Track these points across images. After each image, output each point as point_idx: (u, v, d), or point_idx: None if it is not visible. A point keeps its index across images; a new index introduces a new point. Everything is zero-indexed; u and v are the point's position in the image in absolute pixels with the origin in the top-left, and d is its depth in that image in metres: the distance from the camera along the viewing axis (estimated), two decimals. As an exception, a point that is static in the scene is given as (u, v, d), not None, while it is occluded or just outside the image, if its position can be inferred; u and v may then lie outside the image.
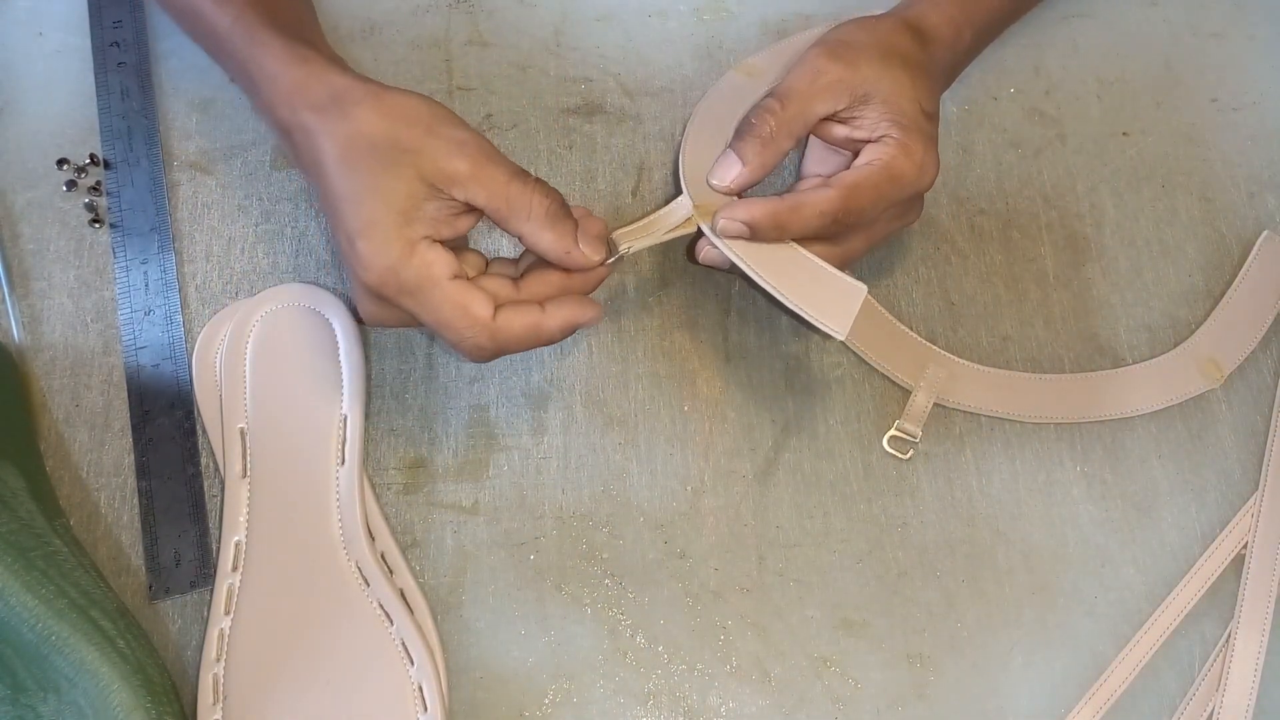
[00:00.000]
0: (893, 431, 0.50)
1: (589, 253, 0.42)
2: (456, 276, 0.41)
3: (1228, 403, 0.52)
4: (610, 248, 0.44)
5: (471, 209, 0.42)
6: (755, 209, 0.44)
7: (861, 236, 0.47)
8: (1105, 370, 0.52)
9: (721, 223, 0.44)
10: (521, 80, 0.56)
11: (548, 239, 0.42)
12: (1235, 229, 0.55)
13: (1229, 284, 0.54)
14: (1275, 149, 0.57)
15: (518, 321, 0.42)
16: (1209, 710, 0.47)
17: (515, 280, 0.44)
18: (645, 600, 0.48)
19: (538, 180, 0.42)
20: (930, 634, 0.48)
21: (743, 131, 0.46)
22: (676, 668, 0.47)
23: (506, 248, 0.53)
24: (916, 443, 0.50)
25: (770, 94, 0.46)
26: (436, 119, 0.41)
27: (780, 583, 0.48)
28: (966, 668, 0.47)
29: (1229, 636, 0.48)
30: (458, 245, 0.43)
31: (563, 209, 0.42)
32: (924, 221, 0.55)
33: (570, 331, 0.43)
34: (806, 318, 0.44)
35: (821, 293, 0.45)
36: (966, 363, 0.52)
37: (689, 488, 0.50)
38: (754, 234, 0.44)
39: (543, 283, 0.43)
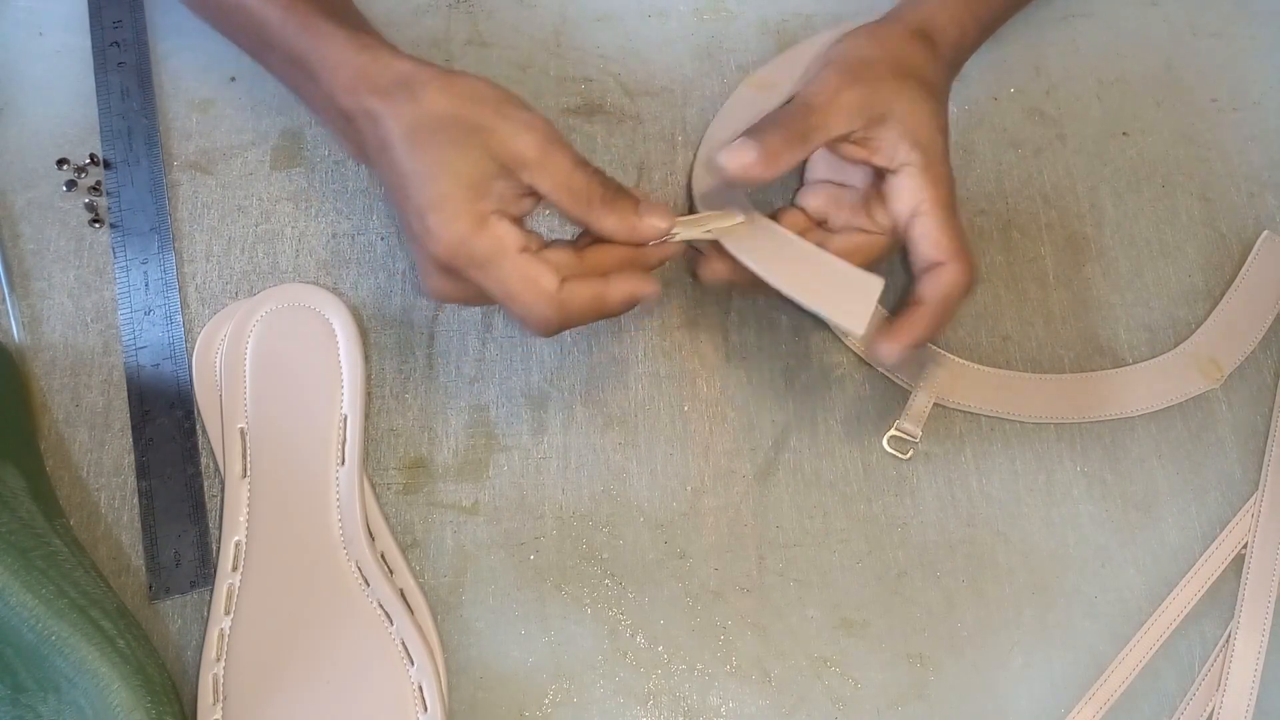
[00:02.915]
0: (893, 431, 0.50)
1: (654, 221, 0.43)
2: (524, 250, 0.41)
3: (1228, 403, 0.52)
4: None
5: (533, 193, 0.42)
6: (911, 334, 0.44)
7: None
8: (1105, 370, 0.52)
9: (883, 351, 0.44)
10: (521, 80, 0.56)
11: (610, 222, 0.42)
12: (1235, 229, 0.55)
13: (1229, 284, 0.54)
14: (1275, 149, 0.57)
15: (582, 293, 0.42)
16: (1209, 710, 0.47)
17: (578, 251, 0.44)
18: (645, 600, 0.48)
19: (598, 169, 0.43)
20: (930, 634, 0.48)
21: (763, 126, 0.45)
22: (676, 668, 0.47)
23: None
24: (916, 443, 0.50)
25: (794, 101, 0.45)
26: (504, 101, 0.42)
27: (780, 583, 0.48)
28: (966, 668, 0.47)
29: (1229, 636, 0.48)
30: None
31: (620, 191, 0.43)
32: (924, 221, 0.55)
33: (631, 305, 0.44)
34: (823, 317, 0.44)
35: (836, 290, 0.44)
36: (966, 363, 0.52)
37: (689, 488, 0.50)
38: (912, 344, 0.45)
39: (606, 254, 0.44)
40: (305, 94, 0.47)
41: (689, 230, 0.45)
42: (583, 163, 0.42)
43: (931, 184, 0.45)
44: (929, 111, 0.45)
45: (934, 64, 0.47)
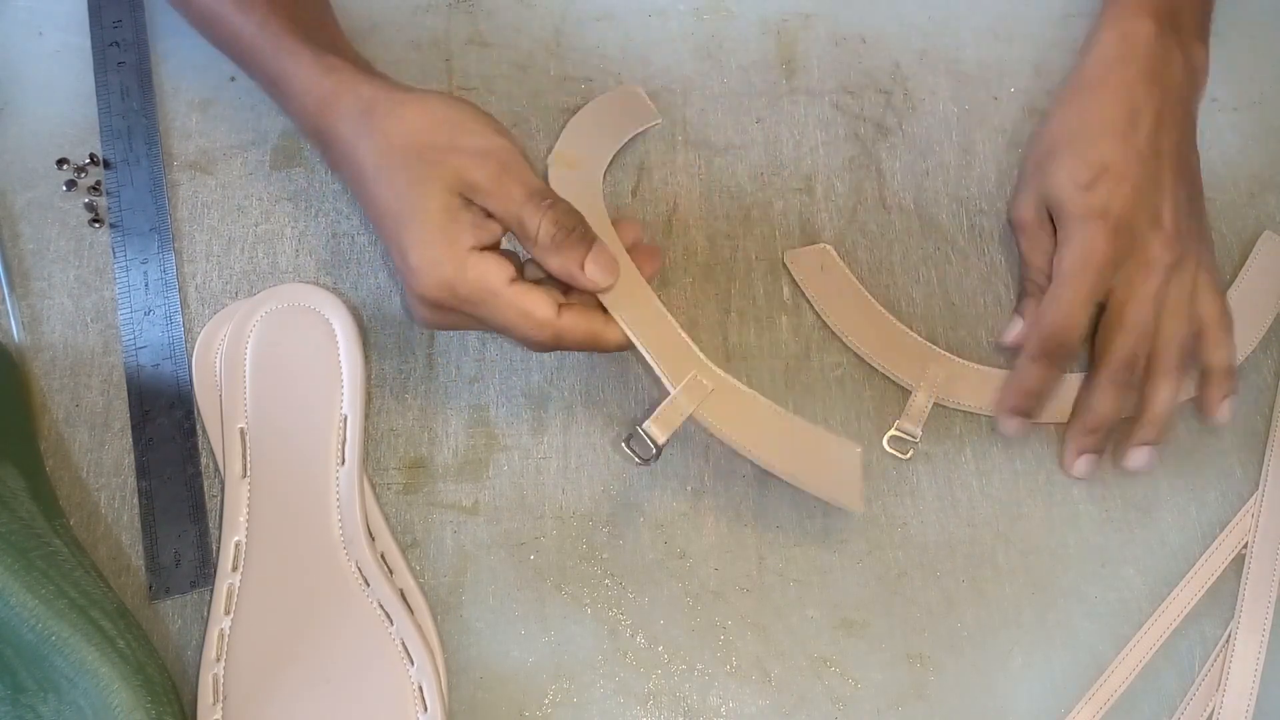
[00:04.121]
0: (893, 431, 0.50)
1: (596, 278, 0.43)
2: (513, 281, 0.41)
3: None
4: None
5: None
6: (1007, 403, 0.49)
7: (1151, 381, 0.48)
8: None
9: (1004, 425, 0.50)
10: (521, 80, 0.56)
11: (552, 263, 0.42)
12: (1235, 229, 0.55)
13: (1229, 284, 0.54)
14: (1275, 149, 0.57)
15: (578, 327, 0.43)
16: (1209, 710, 0.47)
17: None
18: (645, 600, 0.48)
19: (554, 203, 0.42)
20: (930, 634, 0.48)
21: (1025, 306, 0.51)
22: (676, 668, 0.47)
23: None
24: (916, 443, 0.50)
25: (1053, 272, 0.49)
26: (461, 127, 0.42)
27: (780, 583, 0.48)
28: (966, 668, 0.47)
29: (1229, 637, 0.48)
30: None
31: (571, 235, 0.42)
32: (924, 221, 0.55)
33: (624, 348, 0.44)
34: (817, 495, 0.46)
35: (820, 465, 0.45)
36: (967, 363, 0.52)
37: (689, 488, 0.50)
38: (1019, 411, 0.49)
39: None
40: (283, 107, 0.48)
41: (650, 357, 0.45)
42: (536, 195, 0.42)
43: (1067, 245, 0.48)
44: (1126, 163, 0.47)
45: (1177, 59, 0.48)
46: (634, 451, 0.44)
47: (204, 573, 0.47)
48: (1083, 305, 0.47)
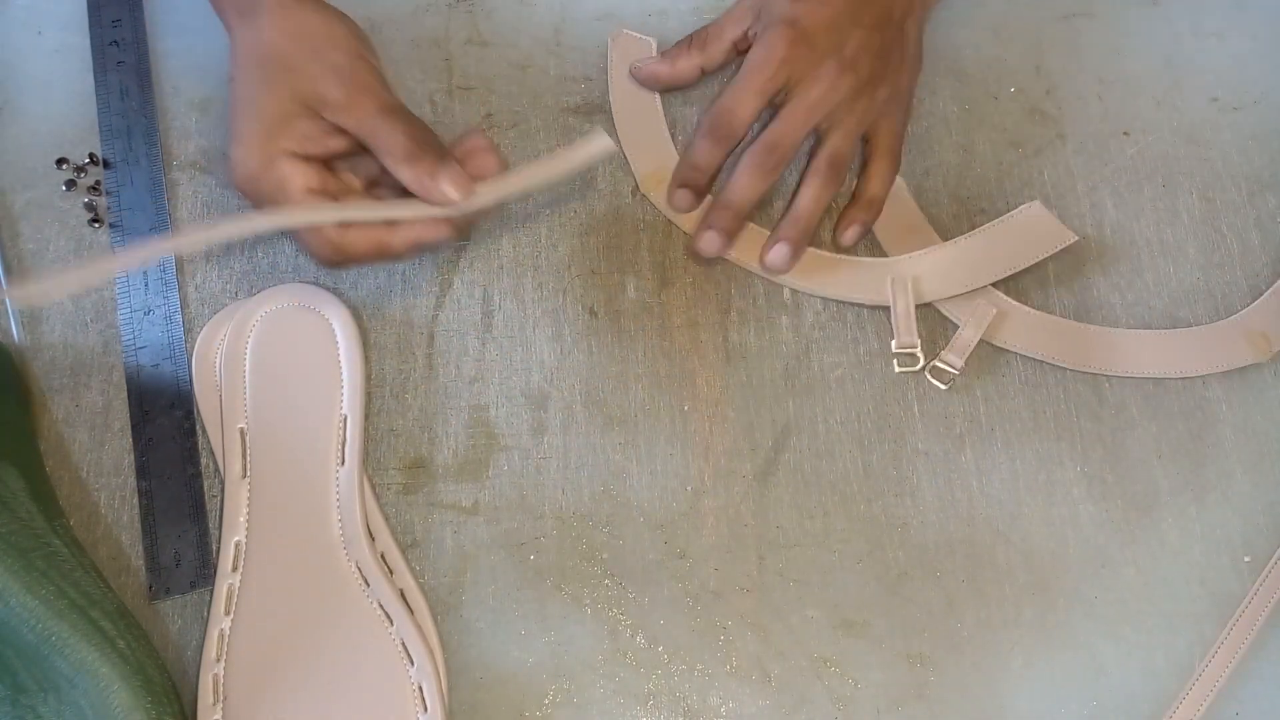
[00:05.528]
0: (935, 362, 0.51)
1: (448, 190, 0.43)
2: (309, 190, 0.43)
3: (1228, 402, 0.52)
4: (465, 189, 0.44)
5: (343, 131, 0.43)
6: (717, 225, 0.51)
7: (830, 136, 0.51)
8: (1160, 329, 0.53)
9: (702, 242, 0.51)
10: (521, 80, 0.56)
11: (405, 175, 0.43)
12: (1236, 229, 0.55)
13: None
14: (1275, 149, 0.57)
15: (363, 239, 0.44)
16: (1205, 710, 0.47)
17: (375, 196, 0.46)
18: (645, 600, 0.48)
19: (408, 118, 0.43)
20: (930, 634, 0.48)
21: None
22: (676, 668, 0.47)
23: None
24: (956, 375, 0.51)
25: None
26: (328, 43, 0.43)
27: (780, 583, 0.48)
28: (966, 668, 0.47)
29: (1228, 635, 0.48)
30: (332, 164, 0.45)
31: (423, 147, 0.43)
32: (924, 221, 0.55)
33: (419, 250, 0.45)
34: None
35: (1020, 242, 0.52)
36: (1018, 304, 0.52)
37: (689, 488, 0.50)
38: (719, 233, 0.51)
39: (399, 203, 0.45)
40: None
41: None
42: (391, 110, 0.43)
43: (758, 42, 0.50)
44: None
45: None
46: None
47: (204, 573, 0.47)
48: (753, 95, 0.49)
